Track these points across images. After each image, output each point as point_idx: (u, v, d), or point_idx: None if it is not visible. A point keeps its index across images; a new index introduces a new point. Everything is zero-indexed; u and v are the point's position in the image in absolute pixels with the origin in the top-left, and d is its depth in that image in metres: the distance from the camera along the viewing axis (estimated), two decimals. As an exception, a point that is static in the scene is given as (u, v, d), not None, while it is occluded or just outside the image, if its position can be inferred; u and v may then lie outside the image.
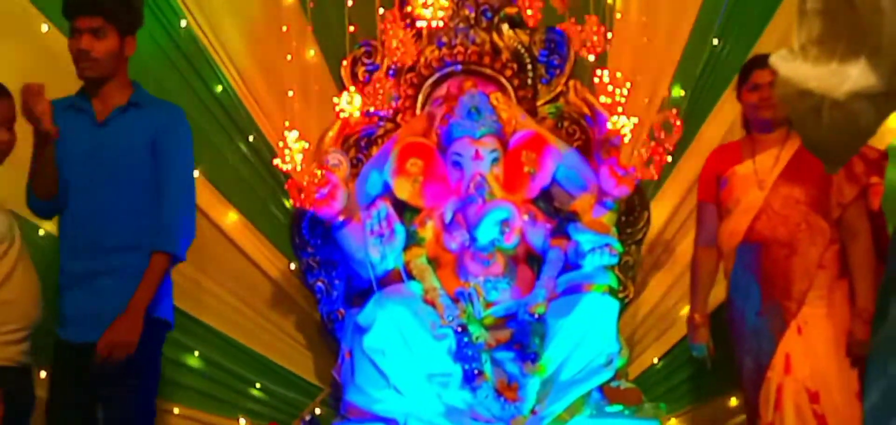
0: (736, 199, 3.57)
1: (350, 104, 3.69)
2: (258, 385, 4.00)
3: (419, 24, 3.80)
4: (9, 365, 3.00)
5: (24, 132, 3.07)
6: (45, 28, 3.72)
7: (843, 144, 1.38)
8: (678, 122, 3.59)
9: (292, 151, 3.47)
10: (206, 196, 3.88)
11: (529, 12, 3.83)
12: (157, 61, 3.84)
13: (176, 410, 3.91)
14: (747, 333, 3.55)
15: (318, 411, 3.85)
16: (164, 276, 3.16)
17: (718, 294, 3.74)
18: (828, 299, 3.46)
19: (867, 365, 1.35)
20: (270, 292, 4.03)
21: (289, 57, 3.73)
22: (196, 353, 3.92)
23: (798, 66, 1.33)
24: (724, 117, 4.03)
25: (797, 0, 1.34)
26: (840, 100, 1.28)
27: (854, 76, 1.27)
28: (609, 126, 3.64)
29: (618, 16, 3.98)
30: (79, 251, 3.16)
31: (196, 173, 3.83)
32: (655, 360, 4.14)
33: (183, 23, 3.88)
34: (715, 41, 4.09)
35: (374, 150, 3.86)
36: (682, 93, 4.06)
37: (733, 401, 3.92)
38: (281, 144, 3.48)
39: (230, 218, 3.98)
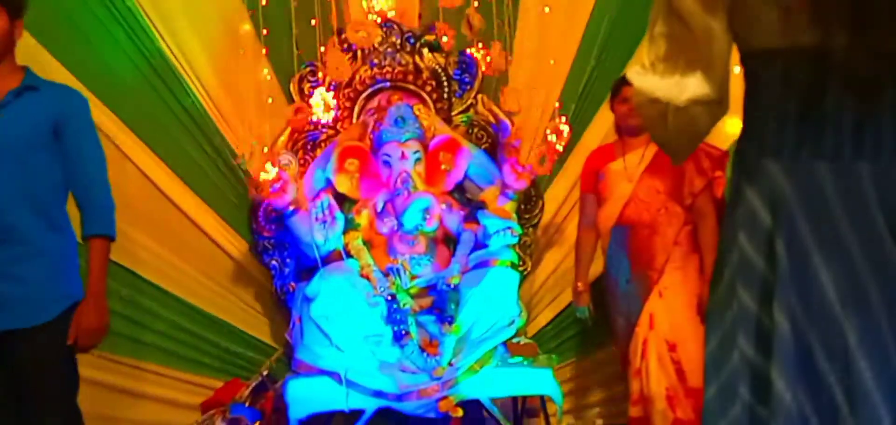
0: (610, 190, 3.64)
1: (297, 114, 3.73)
2: (223, 346, 3.99)
3: (354, 47, 3.85)
4: None
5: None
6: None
7: (685, 143, 1.41)
8: (566, 128, 3.68)
9: (250, 153, 3.51)
10: (178, 191, 3.88)
11: (445, 39, 3.86)
12: (137, 80, 3.80)
13: (152, 368, 3.87)
14: (620, 297, 3.62)
15: (273, 367, 3.87)
16: (108, 257, 2.72)
17: (597, 267, 3.82)
18: (683, 269, 3.53)
19: (707, 319, 1.40)
20: (233, 269, 4.02)
21: (246, 75, 3.75)
22: (168, 320, 3.88)
23: (648, 79, 1.37)
24: (602, 124, 4.07)
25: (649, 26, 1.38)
26: (681, 105, 1.33)
27: (692, 86, 1.32)
28: (510, 131, 3.74)
29: (517, 42, 4.03)
30: None
31: (168, 171, 3.85)
32: (549, 320, 4.21)
33: (156, 45, 3.82)
34: (594, 62, 4.14)
35: (319, 152, 3.87)
36: (570, 103, 4.11)
37: (610, 352, 4.01)
38: (240, 148, 3.49)
39: (199, 209, 3.94)
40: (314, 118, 3.75)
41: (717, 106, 1.35)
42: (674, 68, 1.34)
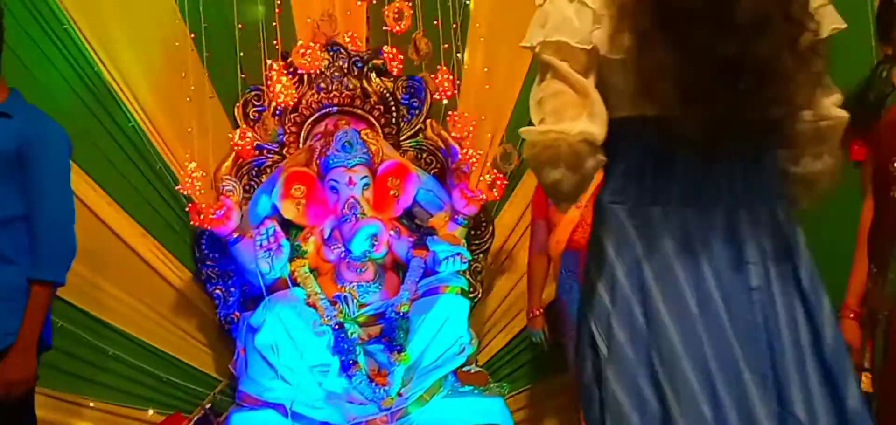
0: (560, 216, 3.59)
1: (242, 139, 3.65)
2: (165, 379, 3.86)
3: (300, 71, 3.78)
4: None
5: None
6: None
7: (575, 182, 1.51)
8: (515, 154, 3.66)
9: (193, 179, 3.41)
10: (117, 219, 3.76)
11: (393, 63, 3.84)
12: (73, 103, 3.68)
13: (91, 404, 3.75)
14: (570, 323, 3.54)
15: (217, 400, 3.76)
16: (49, 304, 2.56)
17: (550, 292, 3.78)
18: None
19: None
20: (175, 299, 3.90)
21: (188, 98, 3.64)
22: (110, 353, 3.76)
23: (541, 127, 1.51)
24: (552, 149, 4.09)
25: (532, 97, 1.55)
26: (573, 141, 1.47)
27: (581, 126, 1.48)
28: (460, 157, 3.71)
29: (465, 67, 4.01)
30: None
31: (107, 197, 3.73)
32: (501, 348, 4.15)
33: (96, 69, 3.73)
34: (544, 87, 4.15)
35: (264, 178, 3.80)
36: (519, 129, 4.10)
37: (563, 380, 3.93)
38: (182, 174, 3.40)
39: (139, 237, 3.83)
40: (281, 99, 3.64)
41: (600, 151, 1.50)
42: (562, 118, 1.49)
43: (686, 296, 1.48)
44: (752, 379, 1.45)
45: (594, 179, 1.55)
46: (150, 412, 3.84)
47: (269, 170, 3.82)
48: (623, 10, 1.46)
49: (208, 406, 3.67)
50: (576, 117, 1.48)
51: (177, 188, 3.62)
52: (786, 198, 1.56)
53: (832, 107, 1.58)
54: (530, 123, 1.54)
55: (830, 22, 1.54)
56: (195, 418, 3.58)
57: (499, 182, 3.66)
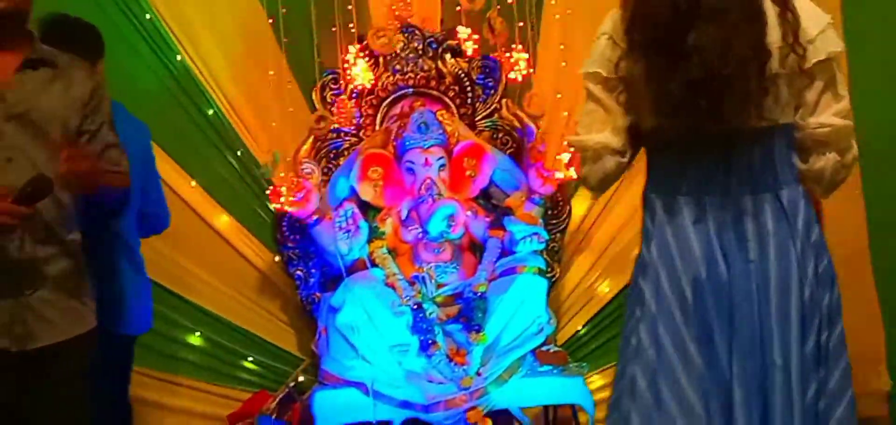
0: None
1: (320, 123, 3.69)
2: (250, 358, 3.97)
3: (375, 54, 3.80)
4: None
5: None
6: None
7: (598, 178, 2.00)
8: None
9: (273, 162, 3.47)
10: (202, 203, 3.86)
11: (468, 44, 3.82)
12: (158, 91, 3.79)
13: (183, 382, 3.88)
14: None
15: (300, 378, 3.82)
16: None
17: None
18: None
19: None
20: (258, 281, 3.98)
21: (268, 83, 3.70)
22: (197, 333, 3.88)
23: (577, 137, 2.01)
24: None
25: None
26: (596, 146, 1.95)
27: (602, 137, 1.95)
28: (536, 136, 3.67)
29: (540, 45, 3.96)
30: None
31: (193, 184, 3.84)
32: (580, 328, 4.11)
33: (178, 57, 3.83)
34: (620, 63, 4.08)
35: (342, 161, 3.83)
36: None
37: None
38: (262, 158, 3.46)
39: (223, 221, 3.92)
40: (358, 81, 3.69)
41: (621, 156, 1.97)
42: (590, 129, 1.97)
43: (698, 264, 1.90)
44: (742, 334, 1.87)
45: (620, 176, 2.02)
46: (237, 390, 3.93)
47: (346, 153, 3.84)
48: (626, 43, 1.89)
49: (292, 384, 3.74)
50: (601, 130, 1.95)
51: (257, 172, 3.69)
52: (797, 185, 1.93)
53: (832, 115, 1.90)
54: None
55: (824, 48, 1.87)
56: (280, 396, 3.64)
57: (575, 162, 3.60)
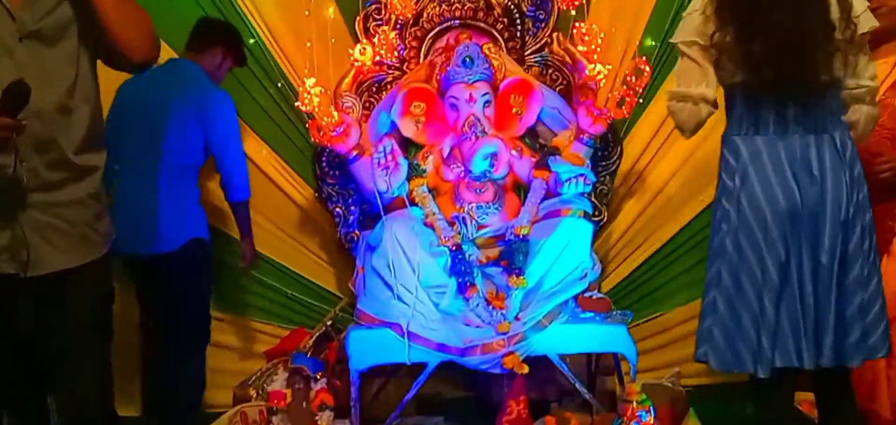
0: None
1: (363, 55, 3.55)
2: (289, 294, 3.95)
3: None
4: None
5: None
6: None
7: (694, 125, 2.62)
8: (647, 69, 3.39)
9: (312, 95, 3.36)
10: (244, 136, 3.77)
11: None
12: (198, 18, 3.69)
13: (223, 317, 3.90)
14: None
15: (338, 316, 3.78)
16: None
17: None
18: None
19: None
20: (298, 217, 3.94)
21: (308, 13, 3.58)
22: (239, 267, 3.79)
23: (677, 89, 2.61)
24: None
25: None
26: (695, 97, 2.56)
27: (701, 89, 2.55)
28: (587, 72, 3.50)
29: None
30: None
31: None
32: (627, 275, 3.98)
33: (221, -16, 3.76)
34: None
35: (384, 95, 3.72)
36: (653, 43, 3.84)
37: (690, 309, 3.74)
38: (301, 89, 3.36)
39: (263, 153, 3.88)
40: (401, 12, 3.54)
41: (712, 106, 2.58)
42: (690, 84, 2.56)
43: (774, 185, 2.47)
44: (805, 238, 2.45)
45: (707, 120, 2.59)
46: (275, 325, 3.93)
47: (389, 87, 3.73)
48: (715, 14, 2.50)
49: (329, 322, 3.69)
50: (698, 83, 2.54)
51: (297, 104, 3.59)
52: (846, 129, 2.51)
53: (868, 78, 2.52)
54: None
55: (866, 23, 2.47)
56: (317, 333, 3.60)
57: (628, 99, 3.41)
